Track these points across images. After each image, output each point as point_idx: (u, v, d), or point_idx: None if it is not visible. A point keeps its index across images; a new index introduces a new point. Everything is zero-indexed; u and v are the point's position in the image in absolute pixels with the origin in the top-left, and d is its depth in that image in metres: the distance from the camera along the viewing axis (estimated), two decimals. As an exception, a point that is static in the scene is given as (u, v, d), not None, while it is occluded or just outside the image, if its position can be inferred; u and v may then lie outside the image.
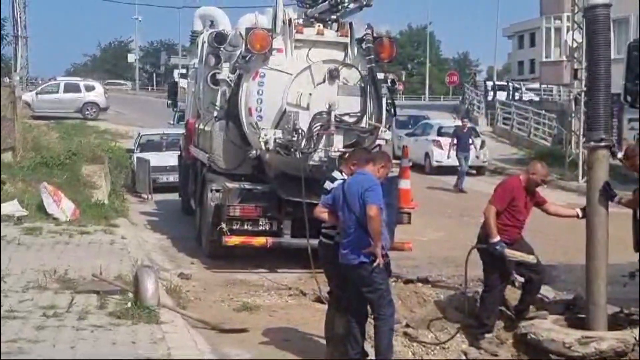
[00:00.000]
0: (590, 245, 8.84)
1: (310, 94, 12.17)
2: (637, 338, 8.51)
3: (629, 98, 10.45)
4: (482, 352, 8.97)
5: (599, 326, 8.66)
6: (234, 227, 12.53)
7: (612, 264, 11.67)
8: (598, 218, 8.81)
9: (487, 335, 9.10)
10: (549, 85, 45.33)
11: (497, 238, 8.77)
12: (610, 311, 9.29)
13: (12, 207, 14.62)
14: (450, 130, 30.16)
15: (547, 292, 9.97)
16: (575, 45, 26.09)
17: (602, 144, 8.76)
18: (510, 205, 8.97)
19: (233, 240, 12.45)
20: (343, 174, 8.17)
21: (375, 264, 7.45)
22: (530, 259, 9.02)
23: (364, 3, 12.49)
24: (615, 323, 8.99)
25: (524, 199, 9.06)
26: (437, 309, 9.98)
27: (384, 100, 12.66)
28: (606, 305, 8.73)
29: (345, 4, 12.52)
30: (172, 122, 27.76)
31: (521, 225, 9.14)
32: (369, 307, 7.82)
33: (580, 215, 9.17)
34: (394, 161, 8.87)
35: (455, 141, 25.13)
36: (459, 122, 33.76)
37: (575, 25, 26.54)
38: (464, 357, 9.01)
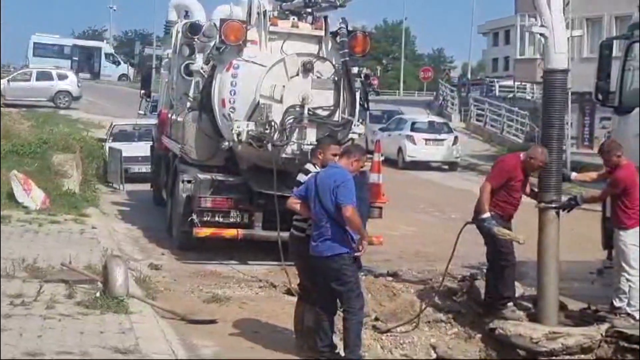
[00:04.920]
0: (541, 302, 8.92)
1: (283, 87, 12.14)
2: (604, 334, 8.61)
3: (600, 96, 10.54)
4: (450, 348, 9.01)
5: None
6: (205, 219, 12.49)
7: (580, 261, 11.81)
8: (547, 278, 8.87)
9: (509, 304, 9.09)
10: (523, 83, 45.57)
11: (487, 214, 8.75)
12: (578, 307, 9.39)
13: (-20, 195, 14.49)
14: (425, 126, 30.30)
15: (515, 288, 10.02)
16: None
17: (553, 205, 8.80)
18: (507, 183, 8.96)
19: (204, 231, 12.42)
20: (316, 166, 8.18)
21: (356, 254, 7.56)
22: (520, 238, 8.88)
23: (338, 4, 12.46)
24: (582, 319, 9.08)
25: (521, 178, 9.04)
26: (407, 303, 10.02)
27: (357, 95, 12.65)
28: None
29: (320, 2, 12.48)
30: (142, 112, 27.38)
31: (517, 203, 9.11)
32: (338, 301, 7.85)
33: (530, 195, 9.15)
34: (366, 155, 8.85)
35: None
36: (433, 118, 33.90)
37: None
38: (432, 351, 9.07)
